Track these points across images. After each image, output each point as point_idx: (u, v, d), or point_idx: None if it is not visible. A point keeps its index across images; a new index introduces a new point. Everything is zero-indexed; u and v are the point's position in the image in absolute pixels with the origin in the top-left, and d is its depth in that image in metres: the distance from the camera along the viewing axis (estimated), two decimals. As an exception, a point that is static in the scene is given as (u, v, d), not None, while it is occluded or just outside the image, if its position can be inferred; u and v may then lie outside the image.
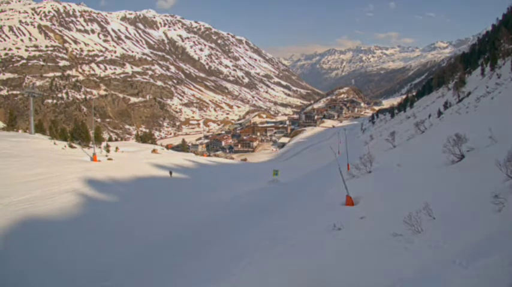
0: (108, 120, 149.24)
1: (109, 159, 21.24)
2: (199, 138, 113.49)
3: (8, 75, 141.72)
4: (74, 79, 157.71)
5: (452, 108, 20.37)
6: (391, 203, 7.26)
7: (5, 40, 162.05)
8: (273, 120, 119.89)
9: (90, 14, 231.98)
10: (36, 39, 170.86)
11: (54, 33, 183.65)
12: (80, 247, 7.84)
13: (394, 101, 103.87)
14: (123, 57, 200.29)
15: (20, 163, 15.05)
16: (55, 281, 6.29)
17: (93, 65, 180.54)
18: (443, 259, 3.82)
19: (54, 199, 11.09)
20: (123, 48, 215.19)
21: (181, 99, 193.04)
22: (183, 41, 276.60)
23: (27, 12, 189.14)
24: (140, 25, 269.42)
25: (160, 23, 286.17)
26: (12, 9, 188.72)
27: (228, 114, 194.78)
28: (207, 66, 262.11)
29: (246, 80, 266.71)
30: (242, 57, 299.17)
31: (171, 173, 18.71)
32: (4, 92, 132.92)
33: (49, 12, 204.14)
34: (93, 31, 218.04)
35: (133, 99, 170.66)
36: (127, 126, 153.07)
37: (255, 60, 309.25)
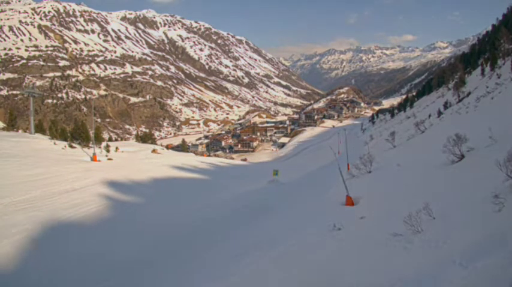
0: (108, 120, 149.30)
1: (109, 159, 21.24)
2: (199, 139, 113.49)
3: (8, 75, 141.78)
4: (74, 79, 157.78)
5: (452, 108, 20.37)
6: (391, 203, 7.26)
7: (5, 40, 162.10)
8: (273, 120, 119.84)
9: (90, 14, 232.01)
10: (36, 39, 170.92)
11: (54, 33, 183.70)
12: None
13: (394, 101, 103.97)
14: (123, 57, 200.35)
15: (20, 163, 15.05)
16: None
17: (93, 65, 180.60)
18: (443, 259, 3.82)
19: (55, 199, 11.09)
20: (123, 48, 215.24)
21: (181, 99, 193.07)
22: (183, 41, 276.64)
23: (27, 12, 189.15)
24: (140, 25, 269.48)
25: (160, 23, 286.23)
26: (12, 9, 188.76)
27: (228, 114, 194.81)
28: (207, 66, 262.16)
29: (246, 80, 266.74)
30: (242, 57, 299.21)
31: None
32: (4, 92, 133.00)
33: (49, 12, 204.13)
34: (93, 31, 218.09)
35: (133, 99, 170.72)
36: (127, 126, 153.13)
37: (255, 60, 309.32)
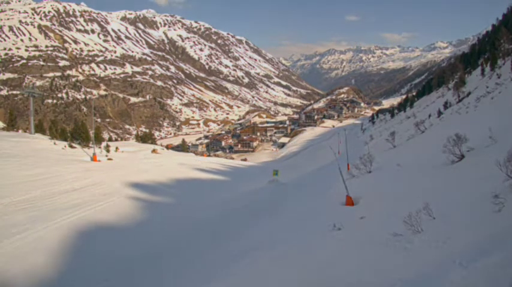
0: (108, 120, 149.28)
1: (109, 159, 21.26)
2: (199, 139, 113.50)
3: (8, 75, 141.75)
4: (74, 79, 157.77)
5: (452, 108, 20.37)
6: (391, 203, 7.26)
7: (5, 40, 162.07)
8: (273, 120, 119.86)
9: (90, 14, 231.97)
10: (36, 39, 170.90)
11: (54, 33, 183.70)
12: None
13: (394, 101, 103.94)
14: (123, 57, 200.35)
15: (20, 163, 15.06)
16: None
17: (93, 65, 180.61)
18: (443, 259, 3.82)
19: (55, 199, 11.09)
20: (123, 48, 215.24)
21: (181, 99, 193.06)
22: (183, 41, 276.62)
23: (27, 12, 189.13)
24: (140, 25, 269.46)
25: (160, 23, 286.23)
26: (12, 9, 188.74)
27: (228, 114, 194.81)
28: (207, 66, 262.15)
29: (246, 80, 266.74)
30: (242, 57, 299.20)
31: None
32: (4, 92, 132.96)
33: (49, 12, 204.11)
34: (93, 31, 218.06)
35: (133, 99, 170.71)
36: (127, 126, 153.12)
37: (255, 60, 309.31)
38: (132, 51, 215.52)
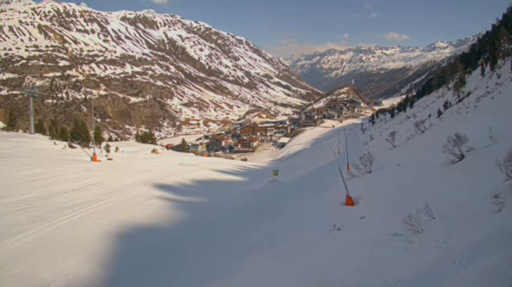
0: (108, 120, 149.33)
1: (109, 159, 21.26)
2: (199, 139, 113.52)
3: (8, 75, 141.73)
4: (74, 79, 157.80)
5: (452, 108, 20.36)
6: (391, 203, 7.26)
7: (5, 40, 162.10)
8: (273, 120, 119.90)
9: (90, 14, 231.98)
10: (36, 39, 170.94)
11: (54, 33, 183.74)
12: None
13: (394, 101, 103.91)
14: (123, 57, 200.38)
15: (20, 163, 15.06)
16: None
17: (93, 65, 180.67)
18: (443, 259, 3.82)
19: (55, 199, 11.10)
20: (123, 48, 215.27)
21: (181, 99, 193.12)
22: (183, 41, 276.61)
23: (27, 12, 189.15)
24: (140, 25, 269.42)
25: (160, 23, 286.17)
26: (12, 9, 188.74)
27: (228, 114, 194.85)
28: (207, 66, 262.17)
29: (246, 80, 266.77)
30: (242, 57, 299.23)
31: None
32: (4, 92, 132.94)
33: (49, 12, 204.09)
34: (93, 31, 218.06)
35: (133, 99, 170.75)
36: (127, 126, 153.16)
37: (255, 60, 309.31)
38: (132, 51, 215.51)
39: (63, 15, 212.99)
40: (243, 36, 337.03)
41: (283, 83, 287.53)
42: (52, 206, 10.35)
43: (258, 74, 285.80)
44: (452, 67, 38.71)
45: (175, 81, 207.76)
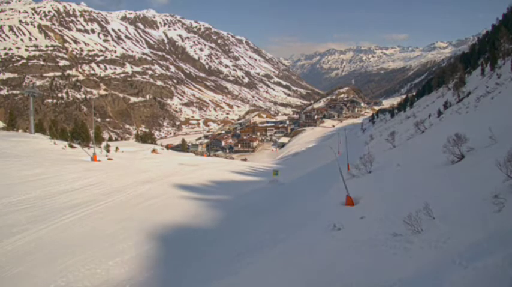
0: (108, 120, 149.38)
1: (109, 159, 21.26)
2: (199, 138, 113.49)
3: (8, 75, 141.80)
4: (74, 79, 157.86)
5: (452, 108, 20.35)
6: (391, 203, 7.26)
7: (5, 40, 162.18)
8: (273, 120, 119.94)
9: (90, 14, 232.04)
10: (36, 39, 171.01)
11: (54, 33, 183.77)
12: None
13: (394, 101, 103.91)
14: (123, 57, 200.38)
15: (20, 163, 15.06)
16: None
17: (93, 64, 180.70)
18: (443, 259, 3.82)
19: (55, 199, 11.10)
20: (123, 48, 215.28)
21: (181, 99, 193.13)
22: (183, 41, 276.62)
23: (27, 12, 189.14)
24: (140, 25, 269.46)
25: (160, 22, 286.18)
26: (12, 9, 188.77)
27: (228, 114, 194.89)
28: (207, 66, 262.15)
29: (246, 80, 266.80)
30: (242, 57, 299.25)
31: None
32: (4, 92, 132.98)
33: (49, 12, 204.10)
34: (93, 31, 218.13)
35: (133, 99, 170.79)
36: (127, 126, 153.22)
37: (255, 60, 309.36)
38: (132, 51, 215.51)
39: (63, 15, 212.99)
40: (243, 36, 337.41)
41: (283, 83, 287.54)
42: (52, 206, 10.35)
43: (258, 74, 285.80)
44: (452, 67, 38.68)
45: (175, 81, 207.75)
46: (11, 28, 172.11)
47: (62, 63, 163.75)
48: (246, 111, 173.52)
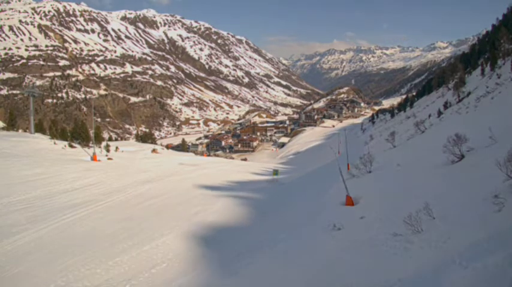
0: (108, 120, 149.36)
1: (109, 159, 21.26)
2: (199, 138, 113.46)
3: (8, 74, 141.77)
4: (74, 79, 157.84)
5: (452, 108, 20.36)
6: (391, 203, 7.26)
7: (5, 40, 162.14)
8: (273, 120, 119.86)
9: (90, 14, 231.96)
10: (36, 38, 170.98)
11: (54, 33, 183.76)
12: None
13: (394, 101, 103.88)
14: (123, 57, 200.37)
15: (19, 163, 15.06)
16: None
17: (93, 64, 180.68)
18: (443, 259, 3.82)
19: (55, 198, 11.09)
20: (123, 48, 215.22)
21: (181, 99, 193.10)
22: (183, 40, 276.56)
23: (27, 12, 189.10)
24: (140, 25, 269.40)
25: (160, 22, 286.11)
26: (12, 8, 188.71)
27: (228, 114, 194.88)
28: (207, 66, 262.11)
29: (246, 79, 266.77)
30: (242, 57, 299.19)
31: None
32: (4, 92, 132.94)
33: (49, 11, 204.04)
34: (93, 31, 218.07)
35: (133, 99, 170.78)
36: (127, 126, 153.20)
37: (255, 60, 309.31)
38: (132, 51, 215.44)
39: (63, 14, 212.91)
40: (243, 36, 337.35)
41: (283, 83, 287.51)
42: (52, 206, 10.34)
43: (258, 73, 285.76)
44: (452, 67, 38.66)
45: (175, 81, 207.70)
46: (11, 28, 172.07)
47: (62, 63, 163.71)
48: (246, 111, 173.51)
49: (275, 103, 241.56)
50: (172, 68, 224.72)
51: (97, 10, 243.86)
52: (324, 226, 7.25)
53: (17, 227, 8.37)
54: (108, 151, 23.97)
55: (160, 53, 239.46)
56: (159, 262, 7.42)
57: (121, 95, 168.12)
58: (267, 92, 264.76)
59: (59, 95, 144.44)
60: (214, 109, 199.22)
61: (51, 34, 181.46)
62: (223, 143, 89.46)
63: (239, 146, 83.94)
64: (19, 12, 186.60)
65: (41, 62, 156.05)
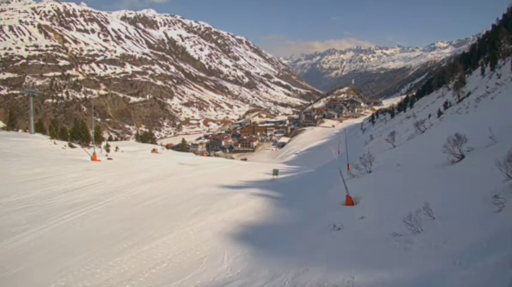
0: (108, 120, 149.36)
1: (109, 159, 21.25)
2: (199, 138, 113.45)
3: (8, 74, 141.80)
4: (74, 79, 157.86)
5: (452, 108, 20.38)
6: (391, 203, 7.26)
7: (5, 40, 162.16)
8: (273, 120, 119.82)
9: (90, 14, 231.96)
10: (36, 38, 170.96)
11: (54, 33, 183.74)
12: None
13: (394, 101, 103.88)
14: (123, 56, 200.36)
15: (19, 163, 15.05)
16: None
17: (93, 64, 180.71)
18: (443, 259, 3.82)
19: (55, 198, 11.09)
20: (123, 47, 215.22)
21: (181, 99, 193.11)
22: (183, 40, 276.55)
23: (27, 12, 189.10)
24: (140, 25, 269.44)
25: (160, 22, 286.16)
26: (12, 8, 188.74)
27: (228, 114, 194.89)
28: (207, 66, 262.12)
29: (246, 79, 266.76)
30: (242, 57, 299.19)
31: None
32: (4, 92, 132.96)
33: (49, 11, 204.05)
34: (93, 31, 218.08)
35: (133, 99, 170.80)
36: (127, 126, 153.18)
37: (255, 60, 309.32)
38: (132, 51, 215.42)
39: (63, 14, 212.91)
40: (243, 36, 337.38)
41: (283, 82, 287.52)
42: (52, 206, 10.34)
43: (258, 73, 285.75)
44: (452, 67, 38.69)
45: (175, 81, 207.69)
46: (11, 28, 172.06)
47: (62, 63, 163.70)
48: (246, 111, 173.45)
49: (275, 103, 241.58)
50: (172, 68, 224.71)
51: (97, 10, 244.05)
52: (324, 225, 7.25)
53: (17, 227, 8.36)
54: (108, 150, 23.96)
55: (160, 53, 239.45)
56: (159, 262, 7.41)
57: (121, 95, 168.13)
58: (267, 92, 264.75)
59: (59, 95, 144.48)
60: (214, 109, 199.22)
61: (51, 34, 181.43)
62: (223, 143, 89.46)
63: (239, 146, 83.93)
64: (19, 12, 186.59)
65: (41, 62, 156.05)
